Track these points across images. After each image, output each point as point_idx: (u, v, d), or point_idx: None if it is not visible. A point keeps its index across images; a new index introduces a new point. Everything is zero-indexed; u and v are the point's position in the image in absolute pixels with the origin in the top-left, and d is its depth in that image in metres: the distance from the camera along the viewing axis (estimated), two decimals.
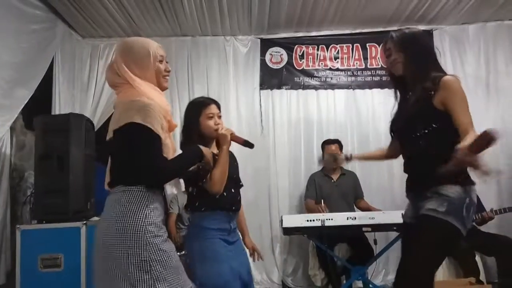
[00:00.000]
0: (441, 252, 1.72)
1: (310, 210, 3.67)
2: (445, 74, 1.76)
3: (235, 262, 1.99)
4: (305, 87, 4.44)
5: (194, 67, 4.40)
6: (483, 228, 3.58)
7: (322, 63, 4.46)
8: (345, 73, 4.45)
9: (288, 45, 4.46)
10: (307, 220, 3.01)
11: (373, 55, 4.46)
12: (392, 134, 2.00)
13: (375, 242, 3.30)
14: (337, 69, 4.45)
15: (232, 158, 2.13)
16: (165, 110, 1.59)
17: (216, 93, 4.37)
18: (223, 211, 2.03)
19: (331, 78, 4.45)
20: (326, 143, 3.87)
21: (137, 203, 1.48)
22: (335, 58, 4.46)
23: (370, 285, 3.48)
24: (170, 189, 2.33)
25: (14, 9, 3.16)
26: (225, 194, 2.01)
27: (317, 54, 4.46)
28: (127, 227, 1.44)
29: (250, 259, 2.26)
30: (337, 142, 3.85)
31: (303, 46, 4.46)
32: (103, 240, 1.47)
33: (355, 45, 4.46)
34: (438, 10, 4.02)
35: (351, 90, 4.41)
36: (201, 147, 1.74)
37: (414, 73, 1.78)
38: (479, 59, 4.30)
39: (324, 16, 4.10)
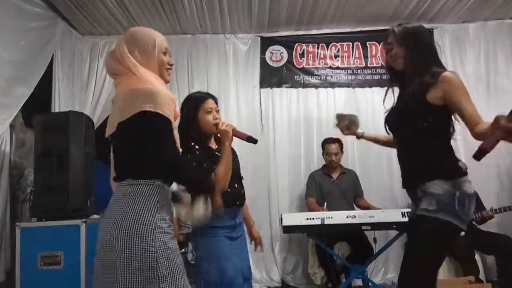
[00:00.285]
0: (439, 250, 1.71)
1: (311, 211, 3.66)
2: (445, 70, 1.76)
3: (238, 259, 2.03)
4: (305, 85, 4.43)
5: (194, 65, 4.40)
6: (483, 227, 3.58)
7: (322, 62, 4.45)
8: (345, 71, 4.44)
9: (288, 43, 4.45)
10: (307, 219, 3.02)
11: (374, 53, 4.45)
12: (386, 128, 1.99)
13: (375, 240, 3.31)
14: (337, 68, 4.44)
15: (232, 153, 2.12)
16: (171, 98, 1.53)
17: (216, 91, 4.36)
18: (228, 207, 2.03)
19: (331, 77, 4.44)
20: (326, 142, 3.87)
21: (147, 197, 1.43)
22: (335, 57, 4.45)
23: (370, 284, 3.48)
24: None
25: (13, 7, 3.15)
26: (229, 190, 2.01)
27: (317, 53, 4.45)
28: (137, 221, 1.38)
29: (250, 255, 2.27)
30: (338, 141, 3.85)
31: (303, 45, 4.45)
32: (110, 235, 1.40)
33: (355, 43, 4.45)
34: (438, 9, 4.01)
35: (351, 88, 4.40)
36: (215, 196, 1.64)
37: (414, 67, 1.78)
38: (479, 58, 4.30)
39: (324, 14, 4.09)
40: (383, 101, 1.97)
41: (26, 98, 3.31)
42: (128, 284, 1.35)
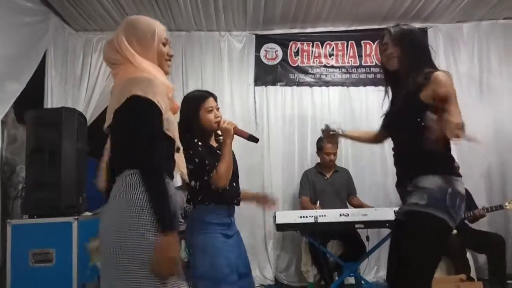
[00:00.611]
0: (432, 246, 1.70)
1: (305, 209, 3.67)
2: (437, 70, 1.78)
3: (232, 255, 2.03)
4: (300, 84, 4.43)
5: (188, 63, 4.38)
6: (474, 225, 3.61)
7: (316, 60, 4.45)
8: (339, 70, 4.45)
9: (283, 41, 4.45)
10: (300, 217, 3.02)
11: (368, 52, 4.46)
12: (381, 130, 2.02)
13: (368, 238, 3.32)
14: (332, 66, 4.45)
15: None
16: (168, 87, 1.50)
17: (211, 89, 4.21)
18: (226, 205, 2.08)
19: (326, 75, 4.45)
20: (322, 141, 3.86)
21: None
22: (330, 55, 4.45)
23: (362, 281, 3.50)
24: None
25: (5, 1, 3.11)
26: (227, 188, 2.04)
27: (312, 51, 4.45)
28: (133, 212, 1.33)
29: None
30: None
31: (298, 43, 4.45)
32: (107, 228, 1.36)
33: (349, 42, 4.46)
34: (433, 8, 4.03)
35: (345, 87, 4.41)
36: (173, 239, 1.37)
37: (408, 68, 1.80)
38: (473, 58, 4.32)
39: (319, 13, 4.09)
40: (382, 105, 1.99)
41: (18, 94, 3.27)
42: (126, 275, 1.31)
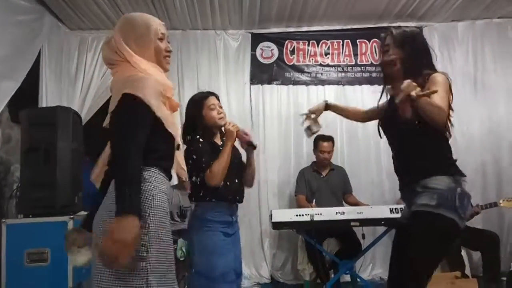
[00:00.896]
0: (439, 247, 1.70)
1: (301, 207, 3.68)
2: (436, 72, 1.80)
3: (231, 255, 2.08)
4: (296, 82, 4.44)
5: (184, 61, 4.37)
6: (469, 223, 3.63)
7: (312, 59, 4.46)
8: (335, 69, 4.45)
9: (279, 40, 4.45)
10: (297, 215, 3.02)
11: (363, 51, 4.47)
12: (379, 131, 2.02)
13: (363, 236, 3.33)
14: (328, 65, 4.45)
15: (236, 151, 2.24)
16: (165, 86, 1.48)
17: (206, 88, 4.27)
18: (227, 202, 2.11)
19: (321, 74, 4.45)
20: (320, 139, 3.86)
21: (144, 183, 1.36)
22: (326, 54, 4.46)
23: (358, 279, 3.52)
24: None
25: None
26: (228, 184, 2.10)
27: (308, 50, 4.46)
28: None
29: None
30: (331, 139, 3.87)
31: (294, 42, 4.46)
32: (98, 225, 1.36)
33: (345, 41, 4.46)
34: (428, 7, 4.04)
35: (341, 86, 4.42)
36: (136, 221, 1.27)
37: (408, 69, 1.81)
38: (468, 57, 4.34)
39: (315, 12, 4.09)
40: (378, 103, 2.02)
41: (13, 93, 3.25)
42: (113, 271, 1.30)
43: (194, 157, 2.07)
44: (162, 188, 1.43)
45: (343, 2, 3.90)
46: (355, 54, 4.45)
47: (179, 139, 1.53)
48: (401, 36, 1.85)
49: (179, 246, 3.10)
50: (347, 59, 4.47)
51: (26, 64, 3.46)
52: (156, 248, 1.35)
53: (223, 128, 2.18)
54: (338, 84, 4.43)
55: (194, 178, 2.09)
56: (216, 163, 2.03)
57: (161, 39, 1.54)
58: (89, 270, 1.44)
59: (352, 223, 3.05)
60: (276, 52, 4.44)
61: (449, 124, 1.76)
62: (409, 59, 1.82)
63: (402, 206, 2.97)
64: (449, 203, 1.66)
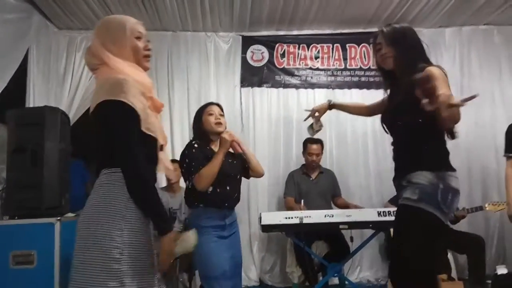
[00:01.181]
0: (426, 239, 1.70)
1: (290, 209, 3.69)
2: (431, 65, 1.79)
3: (227, 254, 2.14)
4: (286, 85, 4.46)
5: (174, 63, 4.36)
6: (455, 226, 3.68)
7: (302, 62, 4.49)
8: (325, 72, 4.49)
9: (269, 43, 4.46)
10: (286, 218, 3.03)
11: (353, 55, 4.51)
12: (384, 127, 2.01)
13: (351, 239, 3.36)
14: (317, 69, 4.49)
15: (232, 157, 2.29)
16: (145, 87, 1.48)
17: (197, 90, 4.34)
18: (215, 207, 2.14)
19: (311, 77, 4.48)
20: (308, 142, 3.89)
21: (120, 186, 1.37)
22: (316, 58, 4.49)
23: (346, 282, 3.54)
24: None
25: None
26: (218, 190, 2.14)
27: (298, 53, 4.49)
28: (105, 210, 1.35)
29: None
30: (319, 142, 3.89)
31: (284, 45, 4.48)
32: (80, 227, 1.38)
33: (335, 45, 4.50)
34: (416, 13, 4.11)
35: (331, 89, 4.45)
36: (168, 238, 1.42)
37: (403, 66, 1.82)
38: (454, 62, 4.42)
39: (305, 15, 4.12)
40: (382, 100, 2.03)
41: None
42: (87, 272, 1.31)
43: (187, 160, 2.14)
44: None
45: (333, 6, 3.94)
46: (345, 59, 4.49)
47: (162, 140, 1.52)
48: (392, 33, 1.86)
49: None
50: (336, 63, 4.50)
51: (13, 63, 3.42)
52: (131, 250, 1.35)
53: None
54: (327, 88, 4.46)
55: (187, 182, 2.16)
56: (206, 167, 2.08)
57: (138, 38, 1.53)
58: None
59: (341, 226, 3.07)
60: (266, 55, 4.46)
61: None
62: (402, 55, 1.82)
63: (390, 209, 3.02)
64: (431, 198, 1.68)
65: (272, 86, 4.45)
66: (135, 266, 1.36)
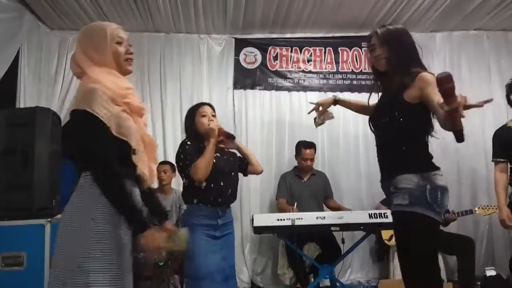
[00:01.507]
0: (424, 242, 1.71)
1: (282, 210, 3.70)
2: (425, 70, 1.81)
3: (218, 256, 2.13)
4: (278, 88, 4.47)
5: (167, 65, 4.35)
6: (445, 229, 3.72)
7: (295, 65, 4.51)
8: (317, 75, 4.52)
9: (262, 45, 4.48)
10: (278, 219, 3.04)
11: (345, 59, 4.55)
12: (370, 126, 2.01)
13: (343, 241, 3.37)
14: (310, 72, 4.51)
15: (229, 154, 2.34)
16: (117, 94, 1.48)
17: (189, 92, 4.34)
18: (208, 204, 2.15)
19: (304, 80, 4.51)
20: (302, 146, 3.90)
21: (91, 189, 1.43)
22: (308, 61, 4.52)
23: (337, 283, 3.55)
24: None
25: None
26: (212, 185, 2.15)
27: (291, 56, 4.51)
28: (80, 213, 1.41)
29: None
30: (313, 146, 3.91)
31: (277, 48, 4.50)
32: (59, 229, 1.45)
33: (327, 48, 4.54)
34: (408, 17, 4.14)
35: (323, 92, 4.47)
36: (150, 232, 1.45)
37: (395, 68, 1.83)
38: (445, 67, 4.46)
39: (298, 19, 4.15)
40: (368, 101, 2.04)
41: None
42: (58, 271, 1.39)
43: (182, 157, 2.17)
44: None
45: (326, 9, 3.97)
46: (337, 62, 4.53)
47: (136, 144, 1.51)
48: (386, 35, 1.87)
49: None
50: (329, 66, 4.54)
51: (3, 63, 3.39)
52: (101, 249, 1.39)
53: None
54: (319, 91, 4.48)
55: (183, 180, 2.20)
56: (200, 158, 2.11)
57: (119, 43, 1.56)
58: None
59: (333, 228, 3.09)
60: (259, 57, 4.47)
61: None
62: (395, 57, 1.83)
63: (381, 211, 3.05)
64: (421, 200, 1.69)
65: (265, 89, 4.46)
66: (105, 264, 1.39)
